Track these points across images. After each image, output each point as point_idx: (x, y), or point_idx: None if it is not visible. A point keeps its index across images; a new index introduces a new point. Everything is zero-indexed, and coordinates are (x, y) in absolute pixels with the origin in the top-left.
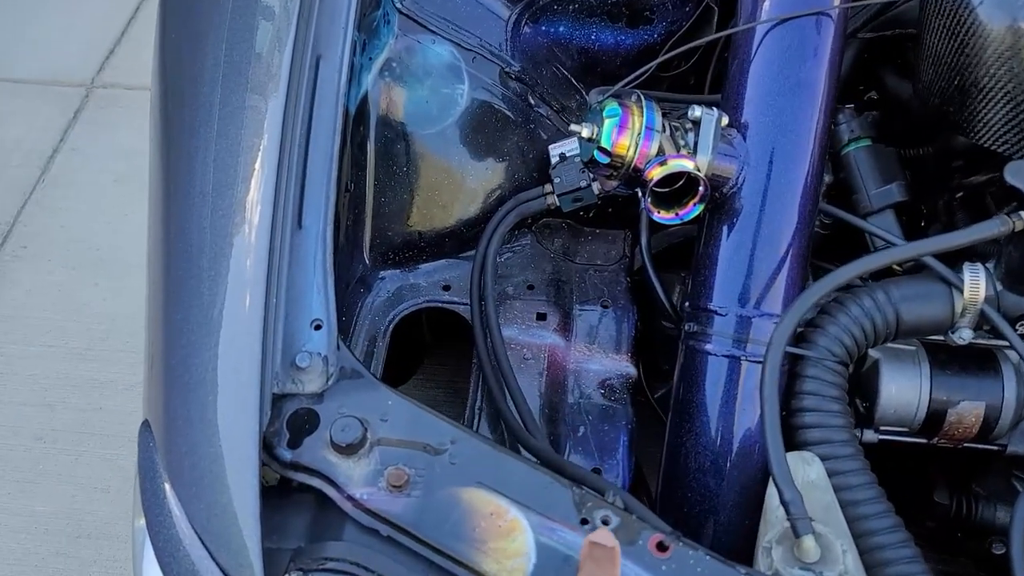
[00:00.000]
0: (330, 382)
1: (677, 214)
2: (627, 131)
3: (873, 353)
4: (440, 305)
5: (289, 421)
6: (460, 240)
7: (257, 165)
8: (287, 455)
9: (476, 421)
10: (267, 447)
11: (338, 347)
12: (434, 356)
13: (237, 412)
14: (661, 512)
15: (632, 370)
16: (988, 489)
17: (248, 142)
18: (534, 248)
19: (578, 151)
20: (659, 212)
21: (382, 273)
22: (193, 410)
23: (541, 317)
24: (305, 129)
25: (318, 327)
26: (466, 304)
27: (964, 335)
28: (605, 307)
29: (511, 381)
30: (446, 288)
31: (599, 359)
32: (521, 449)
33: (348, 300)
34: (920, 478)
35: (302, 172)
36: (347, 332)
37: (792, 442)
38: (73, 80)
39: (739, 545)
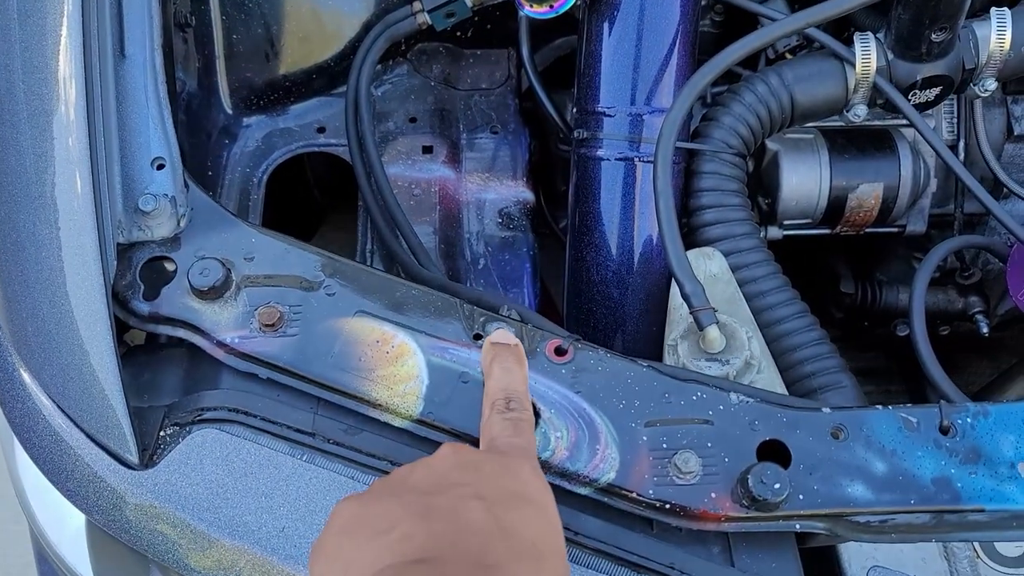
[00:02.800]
0: (182, 224)
1: (552, 7)
2: None
3: (772, 146)
4: (317, 149)
5: (142, 271)
6: (330, 75)
7: None
8: (144, 307)
9: (368, 264)
10: (121, 302)
11: (187, 186)
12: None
13: (77, 267)
14: (568, 331)
15: (529, 195)
16: (890, 275)
17: None
18: (412, 78)
19: None
20: (531, 6)
21: (247, 120)
22: (29, 270)
23: (427, 150)
24: None
25: (161, 167)
26: (345, 145)
27: (859, 111)
28: (495, 133)
29: (398, 216)
30: (321, 130)
31: (494, 187)
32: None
33: (212, 152)
34: (826, 273)
35: None
36: (215, 188)
37: (694, 243)
38: None
39: (650, 354)
